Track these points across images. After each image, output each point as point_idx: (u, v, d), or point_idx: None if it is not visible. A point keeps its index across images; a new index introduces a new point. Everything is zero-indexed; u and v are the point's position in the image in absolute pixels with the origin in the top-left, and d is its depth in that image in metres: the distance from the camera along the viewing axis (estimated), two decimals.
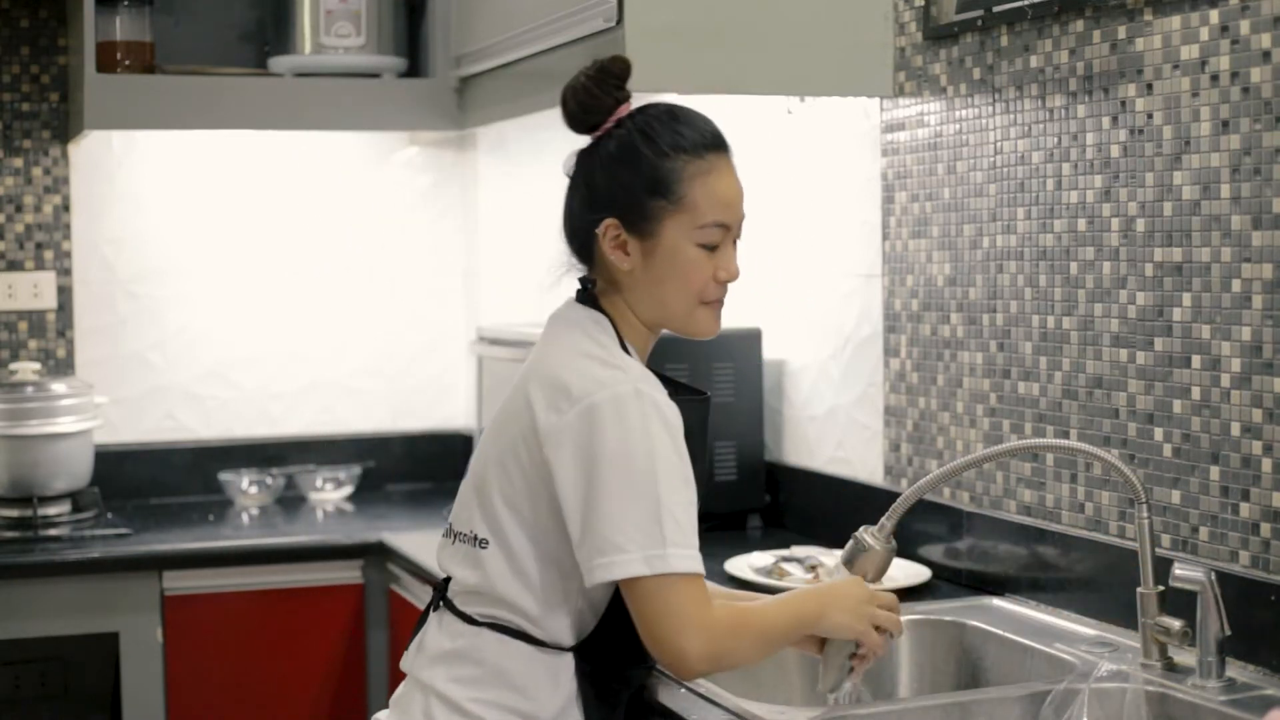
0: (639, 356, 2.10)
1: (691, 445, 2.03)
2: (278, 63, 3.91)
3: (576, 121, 2.09)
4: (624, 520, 1.94)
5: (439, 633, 2.13)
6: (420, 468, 4.32)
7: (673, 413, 2.00)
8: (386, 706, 2.20)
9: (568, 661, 2.07)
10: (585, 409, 1.97)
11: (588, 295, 2.11)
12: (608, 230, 2.05)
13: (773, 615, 2.06)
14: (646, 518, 1.94)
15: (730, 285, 2.09)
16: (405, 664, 2.19)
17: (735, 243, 2.09)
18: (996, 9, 2.64)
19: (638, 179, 2.04)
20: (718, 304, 2.09)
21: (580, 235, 2.10)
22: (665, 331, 2.13)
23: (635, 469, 1.94)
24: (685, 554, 1.95)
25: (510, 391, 2.11)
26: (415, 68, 4.00)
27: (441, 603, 2.15)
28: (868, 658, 2.11)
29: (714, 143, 2.06)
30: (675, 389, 2.11)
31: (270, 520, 3.88)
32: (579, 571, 2.01)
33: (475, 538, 2.08)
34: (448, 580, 2.16)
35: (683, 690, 2.17)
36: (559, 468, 1.98)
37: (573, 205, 2.11)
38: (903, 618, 2.52)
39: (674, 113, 2.07)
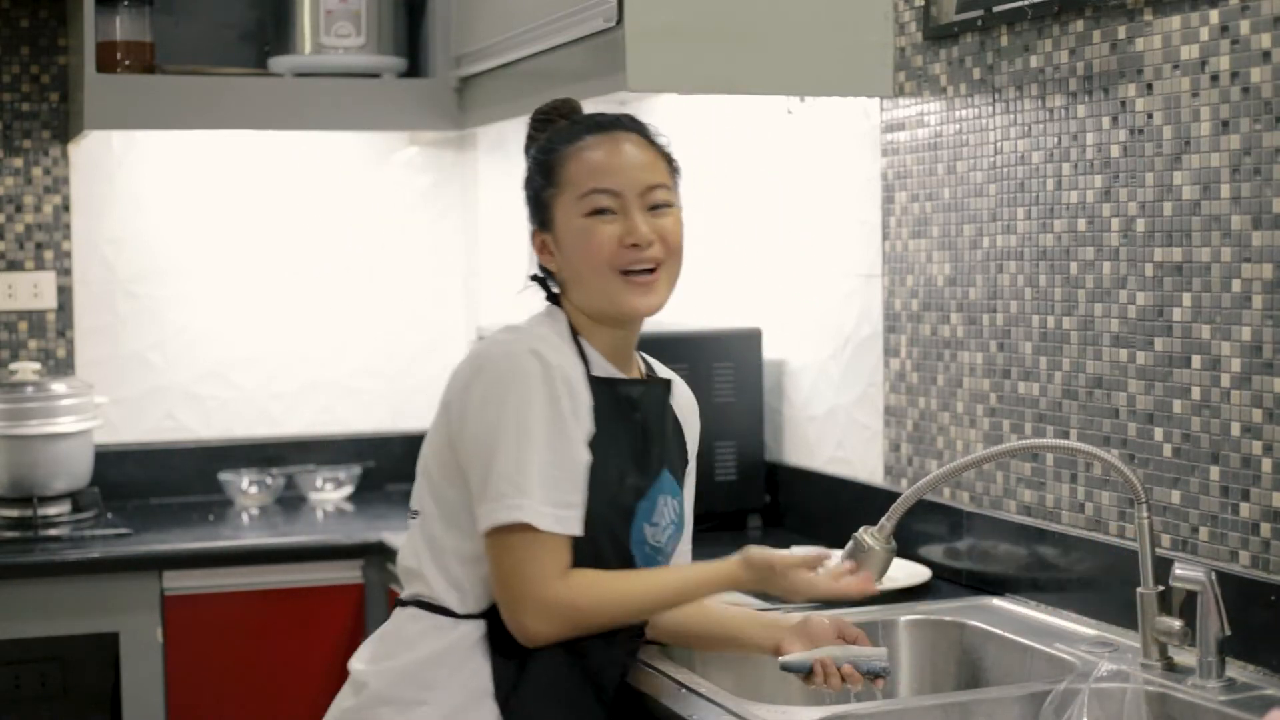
0: (604, 355, 2.15)
1: (649, 428, 2.14)
2: (278, 63, 3.91)
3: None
4: (491, 472, 2.01)
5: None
6: None
7: (569, 375, 2.06)
8: None
9: (481, 639, 2.08)
10: (475, 367, 2.08)
11: (551, 295, 2.21)
12: (533, 238, 2.19)
13: (649, 578, 2.12)
14: (513, 470, 2.00)
15: (670, 259, 2.13)
16: None
17: (655, 210, 2.12)
18: (996, 9, 2.64)
19: (532, 180, 2.18)
20: (644, 276, 2.12)
21: (533, 256, 2.23)
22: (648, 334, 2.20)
23: (506, 422, 2.01)
24: (543, 509, 2.01)
25: None
26: (415, 68, 4.00)
27: None
28: (823, 681, 2.14)
29: (595, 127, 2.16)
30: (649, 376, 2.22)
31: (270, 520, 3.88)
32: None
33: (413, 511, 2.19)
34: None
35: (683, 691, 2.16)
36: (455, 424, 2.08)
37: None
38: (904, 617, 2.53)
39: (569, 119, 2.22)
